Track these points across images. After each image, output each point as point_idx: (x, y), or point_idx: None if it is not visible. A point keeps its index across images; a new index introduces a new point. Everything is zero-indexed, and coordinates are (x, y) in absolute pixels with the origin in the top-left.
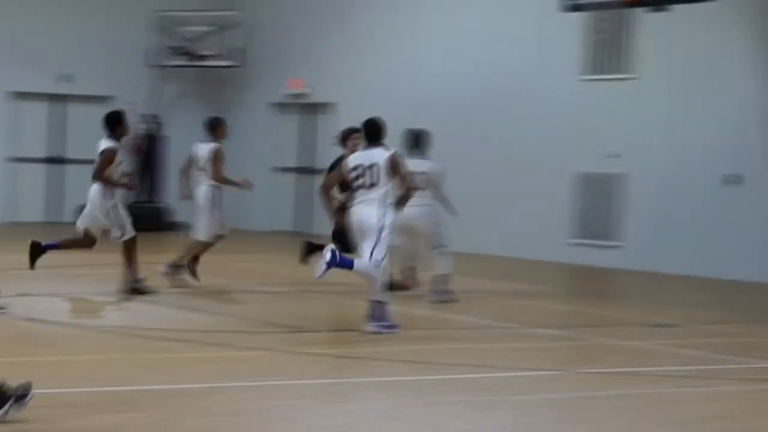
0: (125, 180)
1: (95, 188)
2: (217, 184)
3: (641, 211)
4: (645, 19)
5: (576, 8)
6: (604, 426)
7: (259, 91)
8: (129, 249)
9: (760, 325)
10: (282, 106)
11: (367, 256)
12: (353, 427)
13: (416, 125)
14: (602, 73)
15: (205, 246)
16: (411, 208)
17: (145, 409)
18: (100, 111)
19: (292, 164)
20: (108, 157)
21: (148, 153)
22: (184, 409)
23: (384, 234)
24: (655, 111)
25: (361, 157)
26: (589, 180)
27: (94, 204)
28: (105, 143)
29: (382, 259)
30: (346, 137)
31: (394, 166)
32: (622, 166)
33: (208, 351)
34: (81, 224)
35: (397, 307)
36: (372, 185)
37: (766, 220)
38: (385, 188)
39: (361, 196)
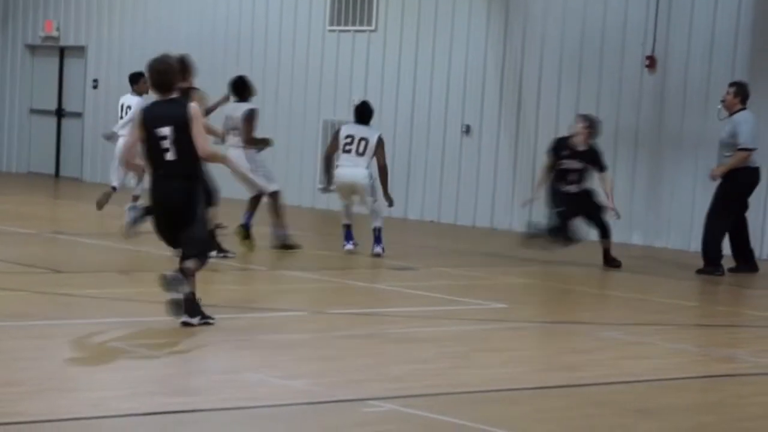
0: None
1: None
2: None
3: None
4: None
5: None
6: (350, 363)
7: (15, 32)
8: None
9: (488, 268)
10: (38, 48)
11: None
12: (109, 366)
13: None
14: (346, 24)
15: None
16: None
17: None
18: None
19: (52, 107)
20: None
21: None
22: None
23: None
24: (393, 63)
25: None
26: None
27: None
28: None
29: None
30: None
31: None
32: None
33: None
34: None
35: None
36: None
37: (499, 170)
38: None
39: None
